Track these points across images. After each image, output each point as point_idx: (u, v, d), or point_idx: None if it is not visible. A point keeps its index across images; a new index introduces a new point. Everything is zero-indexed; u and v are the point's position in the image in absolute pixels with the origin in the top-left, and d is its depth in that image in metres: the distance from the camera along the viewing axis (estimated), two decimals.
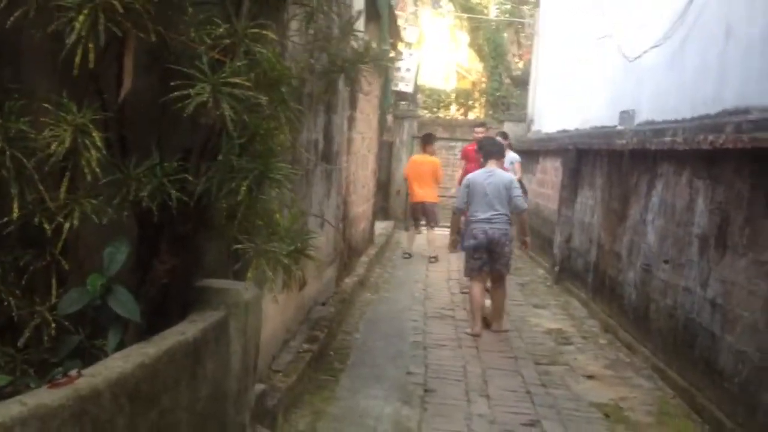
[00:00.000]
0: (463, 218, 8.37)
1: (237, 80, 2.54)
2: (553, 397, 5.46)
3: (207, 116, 2.64)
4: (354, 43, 4.30)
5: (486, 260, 7.27)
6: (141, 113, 2.93)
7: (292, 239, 3.19)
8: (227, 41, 2.60)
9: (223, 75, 2.52)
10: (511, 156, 11.77)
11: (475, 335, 7.08)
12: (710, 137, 5.25)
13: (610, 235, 8.00)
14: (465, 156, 12.10)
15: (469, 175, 7.57)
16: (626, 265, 7.34)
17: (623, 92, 8.22)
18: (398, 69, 15.10)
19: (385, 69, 11.44)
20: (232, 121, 2.60)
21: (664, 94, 6.87)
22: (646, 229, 6.80)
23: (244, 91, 2.57)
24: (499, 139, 11.86)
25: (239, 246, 2.94)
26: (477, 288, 7.32)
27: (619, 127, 8.07)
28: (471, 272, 7.42)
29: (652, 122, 7.08)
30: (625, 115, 7.98)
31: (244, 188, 2.71)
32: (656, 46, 6.97)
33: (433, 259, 11.49)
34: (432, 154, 12.05)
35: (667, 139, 6.18)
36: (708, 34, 5.94)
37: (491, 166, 7.48)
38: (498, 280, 7.42)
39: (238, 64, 2.59)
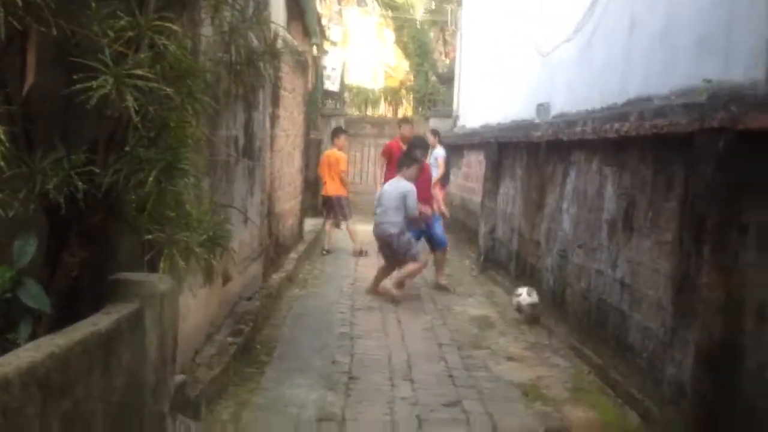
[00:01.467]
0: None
1: (141, 72, 2.59)
2: (474, 379, 5.63)
3: (112, 108, 2.68)
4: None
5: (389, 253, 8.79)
6: (47, 107, 2.94)
7: (205, 229, 3.24)
8: (130, 34, 2.64)
9: (126, 67, 2.57)
10: (435, 152, 11.94)
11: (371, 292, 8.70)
12: (616, 125, 5.50)
13: (529, 224, 8.25)
14: (389, 153, 11.49)
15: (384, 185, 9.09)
16: (545, 252, 7.59)
17: (539, 86, 8.48)
18: (324, 67, 15.18)
19: (308, 66, 11.51)
20: (137, 113, 2.65)
21: (576, 87, 7.13)
22: (562, 217, 7.05)
23: (148, 83, 2.62)
24: (429, 135, 12.05)
25: (149, 236, 2.97)
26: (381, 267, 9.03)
27: (536, 120, 8.33)
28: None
29: (565, 114, 7.34)
30: (542, 108, 8.23)
31: (151, 179, 2.76)
32: (567, 40, 7.23)
33: (363, 253, 11.52)
34: (340, 148, 12.02)
35: (578, 129, 6.43)
36: (614, 27, 6.21)
37: (399, 177, 8.81)
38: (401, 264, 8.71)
39: (142, 56, 2.64)
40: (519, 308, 7.38)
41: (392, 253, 8.65)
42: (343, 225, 12.01)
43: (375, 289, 8.72)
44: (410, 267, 8.57)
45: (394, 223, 8.55)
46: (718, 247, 3.94)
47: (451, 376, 5.71)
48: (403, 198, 8.52)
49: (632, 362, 5.21)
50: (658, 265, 4.88)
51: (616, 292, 5.57)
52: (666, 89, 5.10)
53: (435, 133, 12.89)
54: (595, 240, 6.10)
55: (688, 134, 4.26)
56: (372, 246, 11.93)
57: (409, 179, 8.68)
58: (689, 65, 4.74)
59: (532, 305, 7.31)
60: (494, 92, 11.35)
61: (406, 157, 9.11)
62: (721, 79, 4.17)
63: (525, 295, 7.38)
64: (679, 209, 4.55)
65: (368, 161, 18.07)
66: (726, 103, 3.86)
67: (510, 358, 6.22)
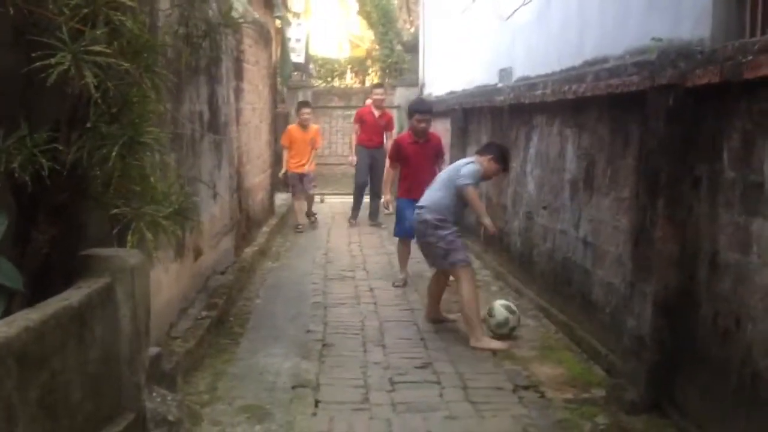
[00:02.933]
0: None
1: (98, 48, 2.63)
2: (445, 342, 5.78)
3: (72, 85, 2.72)
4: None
5: (427, 259, 6.31)
6: (8, 86, 2.98)
7: (171, 203, 3.31)
8: (85, 11, 2.68)
9: (84, 44, 2.61)
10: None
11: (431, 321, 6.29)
12: (574, 87, 5.61)
13: (496, 189, 8.37)
14: (360, 119, 11.59)
15: None
16: (512, 215, 7.73)
17: (501, 51, 8.56)
18: (288, 39, 15.10)
19: (271, 39, 11.47)
20: (97, 89, 2.70)
21: (535, 50, 7.22)
22: (527, 180, 7.19)
23: (106, 59, 2.67)
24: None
25: (116, 210, 3.04)
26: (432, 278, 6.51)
27: (499, 85, 8.42)
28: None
29: (527, 78, 7.43)
30: (504, 73, 8.33)
31: (114, 154, 2.81)
32: (526, 3, 7.30)
33: (298, 228, 11.16)
34: (303, 122, 11.28)
35: (539, 92, 6.54)
36: None
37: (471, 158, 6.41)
38: (455, 277, 6.09)
39: (98, 32, 2.68)
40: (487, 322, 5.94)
41: (428, 256, 6.20)
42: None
43: (432, 315, 6.37)
44: (464, 287, 5.85)
45: (433, 205, 6.02)
46: (671, 200, 4.08)
47: (422, 339, 5.86)
48: (457, 170, 6.08)
49: (596, 318, 5.38)
50: (617, 222, 5.02)
51: (580, 250, 5.72)
52: (621, 49, 5.21)
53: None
54: (558, 200, 6.24)
55: (641, 92, 4.38)
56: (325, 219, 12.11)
57: (485, 170, 6.09)
58: (641, 24, 4.85)
59: (500, 325, 5.90)
60: (459, 59, 11.41)
61: (496, 147, 6.39)
62: (670, 37, 4.29)
63: (503, 310, 5.96)
64: (636, 166, 4.68)
65: (337, 132, 18.08)
66: (674, 61, 3.98)
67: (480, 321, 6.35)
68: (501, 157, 6.16)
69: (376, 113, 11.52)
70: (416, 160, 7.64)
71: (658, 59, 4.18)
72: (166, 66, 3.49)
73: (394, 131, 11.90)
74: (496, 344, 5.65)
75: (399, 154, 7.82)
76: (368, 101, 12.10)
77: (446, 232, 5.94)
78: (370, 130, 11.46)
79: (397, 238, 7.95)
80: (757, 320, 3.36)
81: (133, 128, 2.89)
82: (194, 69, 5.18)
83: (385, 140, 11.52)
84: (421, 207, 6.11)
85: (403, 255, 7.87)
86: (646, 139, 4.34)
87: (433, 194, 6.11)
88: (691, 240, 4.03)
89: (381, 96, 11.58)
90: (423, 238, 6.13)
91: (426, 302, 6.52)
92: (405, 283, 7.71)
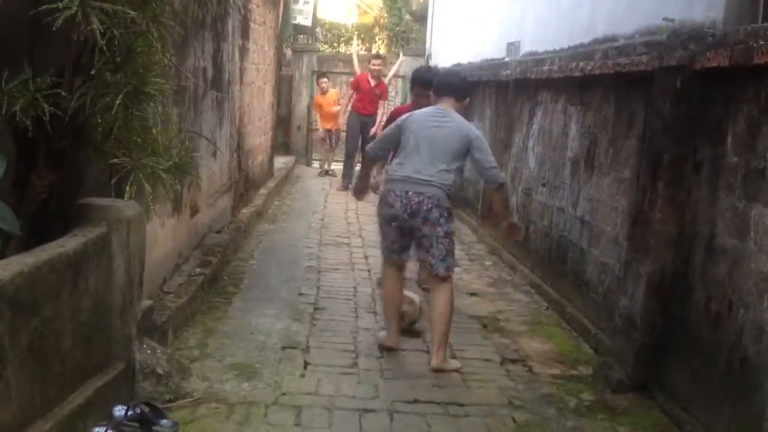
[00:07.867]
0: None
1: None
2: None
3: (78, 31, 2.70)
4: None
5: (404, 244, 4.80)
6: (13, 30, 2.95)
7: (171, 156, 3.30)
8: None
9: None
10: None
11: (389, 348, 4.82)
12: (581, 64, 5.58)
13: (497, 163, 8.33)
14: (356, 86, 12.21)
15: (412, 113, 4.98)
16: (510, 190, 7.69)
17: (510, 25, 8.49)
18: (296, 1, 14.96)
19: (279, 1, 11.36)
20: (103, 36, 2.67)
21: (545, 25, 7.16)
22: (528, 156, 7.17)
23: (113, 6, 2.64)
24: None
25: (116, 160, 3.03)
26: (389, 281, 5.00)
27: (506, 59, 8.37)
28: (384, 255, 5.04)
29: (534, 53, 7.38)
30: (512, 47, 8.27)
31: (118, 102, 2.79)
32: None
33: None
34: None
35: (546, 68, 6.50)
36: None
37: (445, 106, 4.91)
38: (437, 282, 4.73)
39: None
40: None
41: (422, 245, 4.66)
42: None
43: (395, 340, 4.87)
44: (449, 298, 4.69)
45: (446, 183, 4.61)
46: (672, 182, 4.07)
47: None
48: (469, 142, 4.71)
49: (588, 297, 5.40)
50: (616, 203, 5.02)
51: (576, 229, 5.72)
52: (631, 28, 5.17)
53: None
54: (558, 178, 6.23)
55: (649, 72, 4.35)
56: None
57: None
58: (653, 4, 4.81)
59: None
60: (466, 31, 11.32)
61: (467, 81, 5.41)
62: (682, 19, 4.25)
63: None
64: (638, 147, 4.67)
65: (342, 97, 17.97)
66: (684, 42, 3.95)
67: (472, 294, 6.38)
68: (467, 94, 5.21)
69: (372, 82, 11.99)
70: None
71: (669, 40, 4.15)
72: (173, 18, 3.45)
73: (389, 101, 12.48)
74: (455, 364, 4.65)
75: None
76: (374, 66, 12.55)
77: (451, 225, 4.70)
78: (365, 97, 12.00)
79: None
80: (750, 306, 3.38)
81: (138, 78, 2.87)
82: (200, 23, 5.13)
83: (379, 108, 11.98)
84: (426, 181, 4.59)
85: None
86: (651, 120, 4.33)
87: (436, 168, 4.60)
88: (689, 223, 4.03)
89: (378, 66, 12.15)
90: (425, 223, 4.59)
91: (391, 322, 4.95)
92: None
